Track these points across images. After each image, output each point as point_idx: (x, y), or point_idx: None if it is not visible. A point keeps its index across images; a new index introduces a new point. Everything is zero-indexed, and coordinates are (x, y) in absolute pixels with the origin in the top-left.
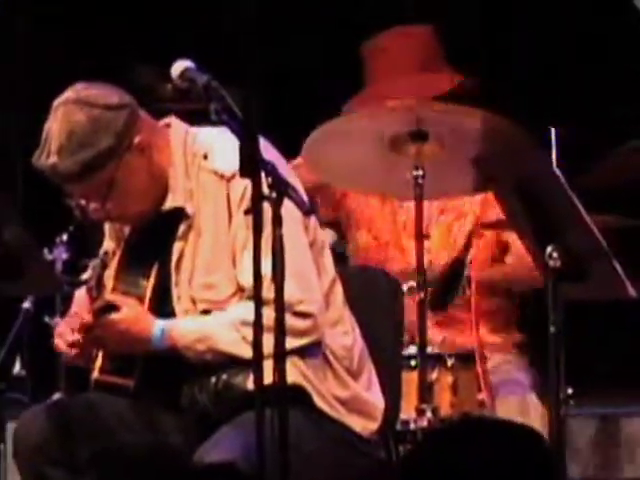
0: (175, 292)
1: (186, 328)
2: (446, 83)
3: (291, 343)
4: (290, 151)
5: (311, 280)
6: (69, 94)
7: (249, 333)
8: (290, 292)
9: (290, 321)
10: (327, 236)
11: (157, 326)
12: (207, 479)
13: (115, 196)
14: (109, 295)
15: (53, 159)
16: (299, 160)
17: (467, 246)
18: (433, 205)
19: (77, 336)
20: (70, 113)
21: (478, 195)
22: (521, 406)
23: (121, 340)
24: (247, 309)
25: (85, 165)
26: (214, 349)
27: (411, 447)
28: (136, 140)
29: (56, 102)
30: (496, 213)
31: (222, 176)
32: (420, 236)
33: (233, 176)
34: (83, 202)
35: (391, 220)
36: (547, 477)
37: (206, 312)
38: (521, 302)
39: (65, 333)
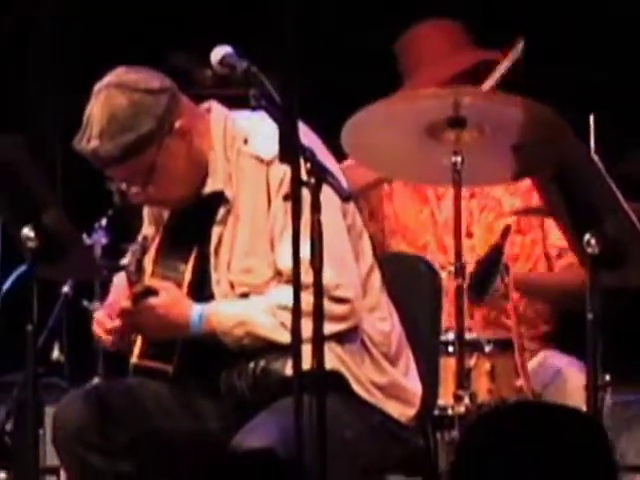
0: (214, 276)
1: (225, 313)
2: (479, 57)
3: (328, 328)
4: (329, 136)
5: (349, 265)
6: (110, 78)
7: (287, 318)
8: (328, 277)
9: (327, 306)
10: None
11: (195, 311)
12: (245, 465)
13: (156, 180)
14: (148, 280)
15: (94, 143)
16: (350, 161)
17: (504, 235)
18: (473, 204)
19: (116, 322)
20: (111, 97)
21: (518, 197)
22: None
23: (159, 325)
24: (285, 294)
25: (126, 149)
26: (252, 334)
27: (460, 434)
28: (177, 124)
29: (97, 86)
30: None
31: (262, 161)
32: (458, 223)
33: (273, 161)
34: (124, 186)
35: (431, 222)
36: (606, 463)
37: (244, 296)
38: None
39: (104, 321)
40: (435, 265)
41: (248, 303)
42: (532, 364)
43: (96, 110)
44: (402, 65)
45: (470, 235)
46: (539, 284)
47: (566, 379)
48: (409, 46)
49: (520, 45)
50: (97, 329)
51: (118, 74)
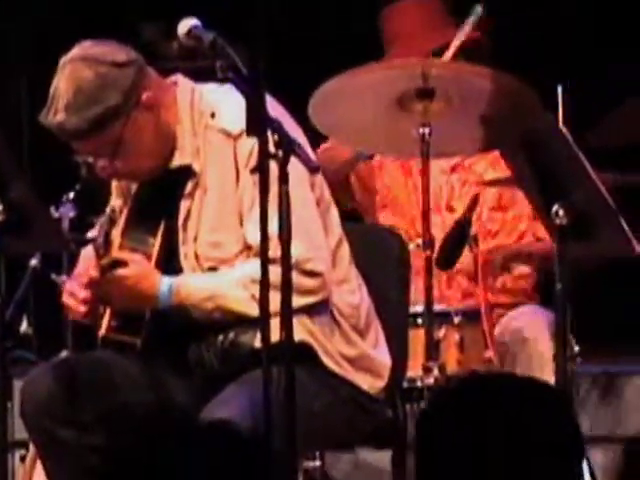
0: (182, 250)
1: (194, 286)
2: (453, 36)
3: (299, 301)
4: (297, 107)
5: (318, 238)
6: (76, 51)
7: (258, 291)
8: (298, 250)
9: (298, 279)
10: None
11: (164, 283)
12: (212, 436)
13: (123, 153)
14: (116, 252)
15: (60, 116)
16: (330, 142)
17: (471, 206)
18: (454, 178)
19: (85, 293)
20: (77, 70)
21: (499, 170)
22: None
23: (128, 296)
24: (255, 267)
25: (92, 122)
26: (222, 307)
27: (426, 404)
28: (144, 97)
29: (63, 60)
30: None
31: (229, 134)
32: (427, 195)
33: (240, 134)
34: (91, 159)
35: (415, 196)
36: (570, 434)
37: (212, 270)
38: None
39: (74, 290)
40: (405, 237)
41: (218, 276)
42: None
43: (62, 84)
44: (382, 39)
45: (451, 209)
46: (526, 253)
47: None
48: (387, 21)
49: (479, 10)
50: (67, 299)
51: (84, 47)
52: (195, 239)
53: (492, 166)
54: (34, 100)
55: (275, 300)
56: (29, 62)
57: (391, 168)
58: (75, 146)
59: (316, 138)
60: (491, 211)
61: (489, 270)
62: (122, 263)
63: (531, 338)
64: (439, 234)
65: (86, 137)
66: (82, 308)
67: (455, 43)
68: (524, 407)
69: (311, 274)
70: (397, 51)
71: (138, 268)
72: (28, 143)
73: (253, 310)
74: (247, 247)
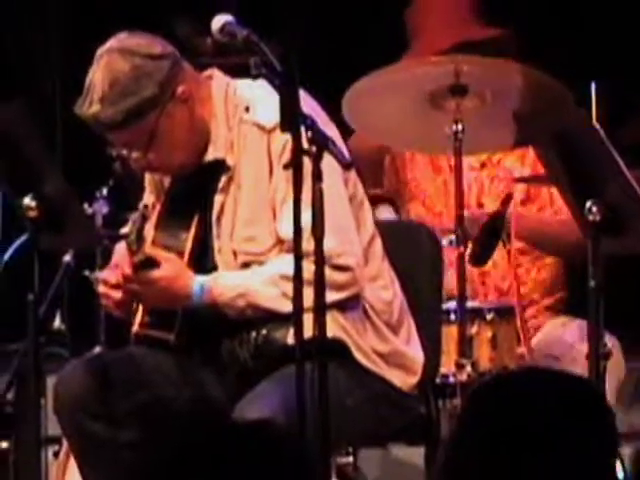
0: (216, 245)
1: (226, 284)
2: (481, 33)
3: (330, 296)
4: (331, 104)
5: (350, 234)
6: (112, 43)
7: (289, 288)
8: (329, 245)
9: (329, 274)
10: (385, 212)
11: (197, 283)
12: (246, 436)
13: (157, 146)
14: (149, 249)
15: (95, 107)
16: (358, 134)
17: (505, 203)
18: (483, 174)
19: (118, 278)
20: (113, 62)
21: (527, 166)
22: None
23: (161, 296)
24: (286, 263)
25: (127, 113)
26: (254, 305)
27: (460, 401)
28: (179, 90)
29: (99, 51)
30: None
31: (263, 129)
32: (460, 191)
33: (274, 129)
34: (125, 152)
35: (443, 192)
36: (604, 430)
37: (246, 265)
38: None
39: (109, 279)
40: (437, 233)
41: (249, 274)
42: (539, 336)
43: (98, 75)
44: (408, 32)
45: (480, 205)
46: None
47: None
48: (414, 13)
49: None
50: (101, 287)
51: (120, 39)
52: (230, 234)
53: (521, 161)
54: (68, 96)
55: (307, 295)
56: (62, 55)
57: (421, 161)
58: (110, 138)
59: (349, 133)
60: (520, 205)
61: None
62: (155, 261)
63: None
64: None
65: (121, 128)
66: (116, 295)
67: None
68: (559, 402)
69: (342, 269)
70: (421, 46)
71: (171, 269)
72: (62, 140)
73: (284, 307)
74: (280, 241)
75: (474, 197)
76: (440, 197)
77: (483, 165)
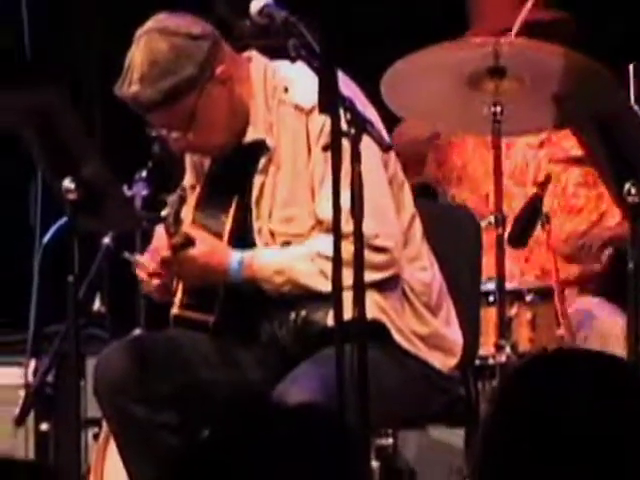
0: (255, 226)
1: (265, 260)
2: (544, 14)
3: (368, 277)
4: (370, 85)
5: (389, 215)
6: (151, 23)
7: (326, 266)
8: (367, 226)
9: (367, 255)
10: None
11: (234, 258)
12: (286, 419)
13: (196, 126)
14: (186, 229)
15: (135, 88)
16: (406, 121)
17: (544, 184)
18: (541, 153)
19: (156, 266)
20: (152, 42)
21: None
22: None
23: (199, 274)
24: (325, 242)
25: (167, 93)
26: (293, 281)
27: (500, 382)
28: (218, 70)
29: (139, 32)
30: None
31: (302, 110)
32: (499, 172)
33: (313, 109)
34: (164, 132)
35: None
36: None
37: (285, 245)
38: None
39: (147, 263)
40: (477, 213)
41: (288, 251)
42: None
43: (137, 55)
44: (469, 11)
45: (536, 184)
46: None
47: (605, 323)
48: None
49: None
50: (140, 273)
51: (159, 19)
52: (269, 215)
53: (577, 142)
54: (107, 78)
55: (345, 276)
56: (100, 36)
57: (471, 145)
58: (149, 118)
59: (389, 116)
60: (576, 187)
61: (583, 255)
62: (192, 241)
63: (601, 317)
64: (518, 208)
65: (160, 109)
66: (154, 281)
67: (519, 20)
68: (597, 384)
69: (380, 250)
70: (477, 28)
71: (206, 245)
72: (101, 122)
73: (321, 284)
74: (319, 222)
75: (531, 175)
76: (487, 178)
77: (542, 144)
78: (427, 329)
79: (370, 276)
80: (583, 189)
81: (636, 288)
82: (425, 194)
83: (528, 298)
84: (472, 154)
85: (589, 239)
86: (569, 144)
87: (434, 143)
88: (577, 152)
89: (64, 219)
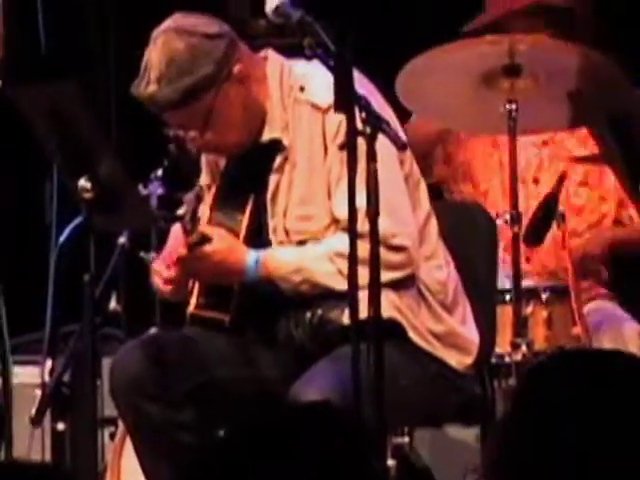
0: (271, 224)
1: (282, 259)
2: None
3: (385, 276)
4: (385, 84)
5: (405, 214)
6: (168, 23)
7: (344, 265)
8: (384, 226)
9: (384, 254)
10: None
11: (251, 256)
12: (302, 417)
13: (213, 125)
14: (202, 227)
15: (152, 87)
16: (413, 122)
17: (560, 182)
18: (544, 152)
19: (172, 272)
20: (169, 42)
21: (587, 147)
22: (617, 339)
23: (216, 272)
24: (342, 241)
25: (184, 92)
26: (310, 280)
27: (518, 381)
28: (235, 70)
29: (155, 32)
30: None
31: (318, 108)
32: (514, 170)
33: (329, 108)
34: (181, 132)
35: (499, 168)
36: None
37: (301, 243)
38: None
39: (161, 270)
40: (492, 213)
41: (305, 249)
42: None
43: (154, 55)
44: None
45: (536, 181)
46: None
47: (620, 323)
48: None
49: None
50: (155, 279)
51: (176, 19)
52: (284, 213)
53: (582, 143)
54: (123, 77)
55: (362, 275)
56: (116, 36)
57: (477, 143)
58: (166, 118)
59: (403, 114)
60: (578, 186)
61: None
62: (209, 239)
63: (617, 317)
64: (522, 206)
65: (177, 108)
66: (168, 288)
67: None
68: (614, 382)
69: (397, 249)
70: (496, 5)
71: (223, 243)
72: (117, 121)
73: (339, 284)
74: (335, 221)
75: (531, 173)
76: (492, 173)
77: (545, 143)
78: (443, 327)
79: (388, 275)
80: (585, 189)
81: None
82: (430, 195)
83: (544, 297)
84: (474, 150)
85: (589, 248)
86: (571, 144)
87: (443, 139)
88: (580, 151)
89: (80, 218)
